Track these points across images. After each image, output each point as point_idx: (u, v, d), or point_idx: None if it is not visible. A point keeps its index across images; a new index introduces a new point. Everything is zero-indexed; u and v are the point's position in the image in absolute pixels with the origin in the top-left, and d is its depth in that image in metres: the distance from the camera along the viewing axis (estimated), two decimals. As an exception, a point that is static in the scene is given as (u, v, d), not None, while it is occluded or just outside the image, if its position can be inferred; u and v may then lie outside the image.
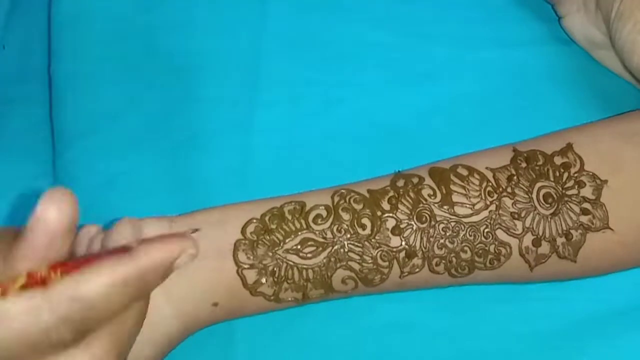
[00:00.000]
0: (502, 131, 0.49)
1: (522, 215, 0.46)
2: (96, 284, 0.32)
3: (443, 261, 0.45)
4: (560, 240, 0.46)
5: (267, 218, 0.45)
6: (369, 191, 0.46)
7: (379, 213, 0.45)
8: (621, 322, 0.49)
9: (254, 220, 0.45)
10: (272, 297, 0.44)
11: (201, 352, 0.48)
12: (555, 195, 0.46)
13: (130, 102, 0.55)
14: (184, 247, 0.35)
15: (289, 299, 0.45)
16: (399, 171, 0.48)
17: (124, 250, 0.34)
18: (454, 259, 0.45)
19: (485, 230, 0.45)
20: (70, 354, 0.33)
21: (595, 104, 0.54)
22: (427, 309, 0.49)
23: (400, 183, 0.46)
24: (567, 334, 0.48)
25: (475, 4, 0.59)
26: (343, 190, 0.46)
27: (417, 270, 0.45)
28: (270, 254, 0.44)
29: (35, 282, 0.32)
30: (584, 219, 0.46)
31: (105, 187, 0.53)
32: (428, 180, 0.46)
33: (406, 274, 0.45)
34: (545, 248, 0.46)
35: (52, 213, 0.32)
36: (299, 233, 0.45)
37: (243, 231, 0.45)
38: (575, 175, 0.47)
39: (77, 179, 0.53)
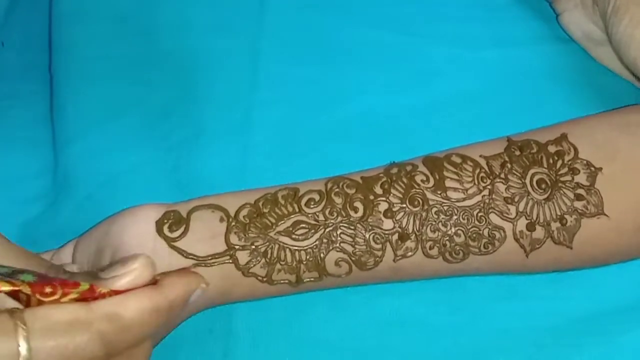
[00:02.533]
0: (502, 130, 0.49)
1: (516, 200, 0.46)
2: (134, 307, 0.35)
3: (437, 245, 0.45)
4: (555, 225, 0.46)
5: (260, 203, 0.46)
6: (362, 178, 0.47)
7: (371, 197, 0.46)
8: (620, 321, 0.48)
9: (247, 205, 0.46)
10: (264, 279, 0.44)
11: (201, 350, 0.48)
12: (548, 181, 0.46)
13: (130, 101, 0.56)
14: (199, 282, 0.40)
15: (282, 280, 0.45)
16: (394, 162, 0.48)
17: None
18: (447, 243, 0.45)
19: (479, 214, 0.45)
20: None
21: (594, 102, 0.54)
22: (426, 305, 0.49)
23: (394, 171, 0.47)
24: (566, 332, 0.48)
25: (474, 3, 0.60)
26: (336, 178, 0.47)
27: (411, 253, 0.45)
28: (262, 235, 0.45)
29: (88, 296, 0.34)
30: (579, 204, 0.46)
31: (105, 186, 0.53)
32: (421, 168, 0.47)
33: (400, 257, 0.45)
34: (539, 233, 0.46)
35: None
36: (292, 216, 0.45)
37: (236, 215, 0.45)
38: (569, 162, 0.47)
39: (78, 178, 0.54)
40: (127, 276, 0.36)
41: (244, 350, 0.48)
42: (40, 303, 0.33)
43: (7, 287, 0.32)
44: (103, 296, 0.35)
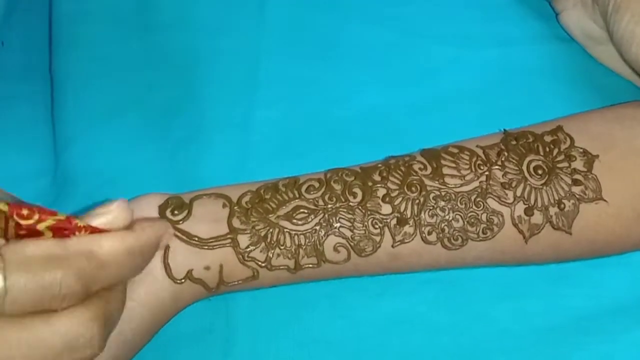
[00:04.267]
0: (502, 129, 0.50)
1: (513, 185, 0.46)
2: (110, 246, 0.35)
3: (435, 230, 0.45)
4: (553, 210, 0.46)
5: (262, 190, 0.46)
6: (361, 168, 0.47)
7: (369, 183, 0.46)
8: (620, 320, 0.48)
9: (249, 193, 0.46)
10: (263, 264, 0.45)
11: (201, 349, 0.48)
12: (545, 168, 0.46)
13: (131, 101, 0.56)
14: (166, 227, 0.41)
15: (281, 266, 0.45)
16: (392, 155, 0.48)
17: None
18: (446, 228, 0.45)
19: (477, 199, 0.46)
20: (69, 313, 0.34)
21: (593, 101, 0.54)
22: (426, 305, 0.49)
23: (392, 161, 0.47)
24: (566, 331, 0.48)
25: (474, 2, 0.60)
26: (336, 169, 0.47)
27: (409, 239, 0.45)
28: (263, 219, 0.45)
29: (64, 228, 0.35)
30: (576, 189, 0.46)
31: (105, 186, 0.53)
32: (419, 158, 0.47)
33: (398, 243, 0.45)
34: (538, 218, 0.46)
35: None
36: (292, 201, 0.45)
37: (239, 201, 0.46)
38: (565, 150, 0.47)
39: (78, 178, 0.54)
40: (104, 216, 0.36)
41: (244, 350, 0.48)
42: (16, 234, 0.34)
43: None
44: (79, 230, 0.35)
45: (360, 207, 0.45)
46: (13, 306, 0.32)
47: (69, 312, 0.33)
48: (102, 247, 0.35)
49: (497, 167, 0.46)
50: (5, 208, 0.33)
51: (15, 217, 0.33)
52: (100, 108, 0.57)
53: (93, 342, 0.34)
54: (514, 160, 0.47)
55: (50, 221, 0.34)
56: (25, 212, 0.33)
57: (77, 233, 0.35)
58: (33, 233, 0.34)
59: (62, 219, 0.34)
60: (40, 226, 0.34)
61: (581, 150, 0.47)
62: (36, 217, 0.34)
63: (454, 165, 0.47)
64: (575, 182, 0.46)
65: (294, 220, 0.45)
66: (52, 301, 0.33)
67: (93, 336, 0.34)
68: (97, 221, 0.36)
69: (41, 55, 0.61)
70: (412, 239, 0.45)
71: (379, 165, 0.47)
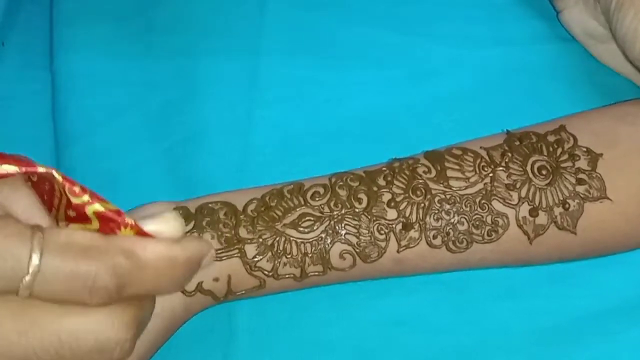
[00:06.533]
0: (503, 128, 0.50)
1: (517, 186, 0.46)
2: (153, 251, 0.33)
3: (440, 234, 0.46)
4: (557, 210, 0.46)
5: (267, 197, 0.46)
6: (365, 172, 0.47)
7: (374, 188, 0.46)
8: (621, 319, 0.49)
9: (255, 200, 0.46)
10: (270, 273, 0.45)
11: (201, 350, 0.48)
12: (549, 167, 0.46)
13: (131, 101, 0.56)
14: (210, 246, 0.36)
15: (288, 275, 0.45)
16: (395, 158, 0.48)
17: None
18: (451, 231, 0.46)
19: (481, 201, 0.46)
20: (104, 311, 0.32)
21: (594, 100, 0.54)
22: (428, 305, 0.49)
23: (396, 164, 0.47)
24: (568, 331, 0.48)
25: (475, 2, 0.60)
26: (340, 173, 0.47)
27: (414, 244, 0.45)
28: (270, 228, 0.45)
29: (112, 219, 0.33)
30: (581, 188, 0.46)
31: (106, 186, 0.53)
32: (423, 161, 0.47)
33: (404, 247, 0.45)
34: (542, 218, 0.46)
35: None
36: (297, 209, 0.45)
37: (244, 209, 0.45)
38: (569, 149, 0.47)
39: (78, 178, 0.53)
40: (158, 224, 0.34)
41: (244, 350, 0.48)
42: (65, 214, 0.33)
43: (43, 169, 0.32)
44: (126, 226, 0.33)
45: (365, 213, 0.45)
46: (43, 288, 0.30)
47: (104, 311, 0.32)
48: (146, 251, 0.33)
49: (501, 168, 0.46)
50: (59, 177, 0.32)
51: (67, 192, 0.32)
52: (100, 108, 0.57)
53: (124, 346, 0.32)
54: (517, 161, 0.47)
55: (99, 206, 0.32)
56: (77, 188, 0.32)
57: (123, 229, 0.33)
58: (81, 217, 0.33)
59: (112, 208, 0.33)
60: (89, 210, 0.32)
61: (585, 149, 0.47)
62: (86, 197, 0.32)
63: (458, 167, 0.47)
64: (580, 182, 0.46)
65: (300, 228, 0.45)
66: (83, 292, 0.31)
67: (125, 340, 0.32)
68: (148, 227, 0.34)
69: (41, 55, 0.61)
70: (418, 244, 0.46)
71: (383, 169, 0.47)
